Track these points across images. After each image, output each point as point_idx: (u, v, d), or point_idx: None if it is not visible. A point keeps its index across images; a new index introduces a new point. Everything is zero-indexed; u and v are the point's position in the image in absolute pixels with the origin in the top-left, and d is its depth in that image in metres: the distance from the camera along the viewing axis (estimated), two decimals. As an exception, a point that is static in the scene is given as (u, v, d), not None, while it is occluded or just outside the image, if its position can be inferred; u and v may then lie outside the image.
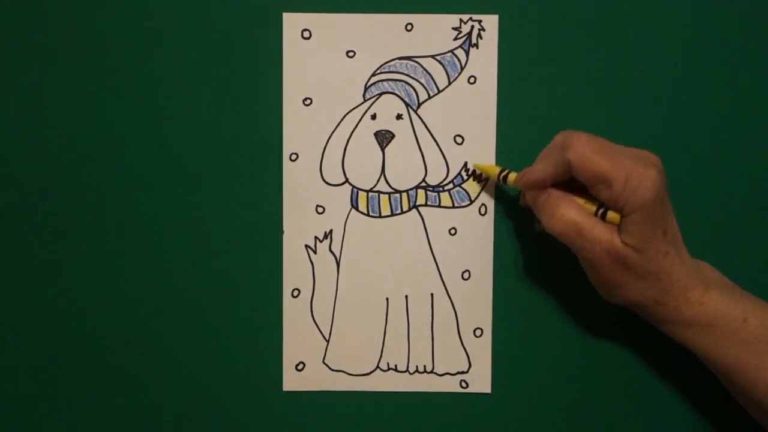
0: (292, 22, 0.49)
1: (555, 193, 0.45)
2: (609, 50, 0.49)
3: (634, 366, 0.50)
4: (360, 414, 0.51)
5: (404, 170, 0.50)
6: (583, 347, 0.50)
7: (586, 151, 0.42)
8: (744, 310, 0.43)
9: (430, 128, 0.50)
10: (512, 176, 0.47)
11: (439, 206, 0.50)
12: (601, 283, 0.45)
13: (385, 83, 0.49)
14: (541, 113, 0.49)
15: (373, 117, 0.50)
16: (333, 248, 0.50)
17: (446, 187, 0.50)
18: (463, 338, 0.50)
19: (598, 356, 0.50)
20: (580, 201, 0.44)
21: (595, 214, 0.44)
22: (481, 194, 0.50)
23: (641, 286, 0.44)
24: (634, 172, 0.41)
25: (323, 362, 0.51)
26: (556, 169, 0.44)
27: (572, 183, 0.45)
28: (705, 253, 0.48)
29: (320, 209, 0.50)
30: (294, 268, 0.50)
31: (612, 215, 0.43)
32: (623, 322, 0.50)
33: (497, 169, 0.48)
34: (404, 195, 0.50)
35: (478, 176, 0.50)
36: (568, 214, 0.44)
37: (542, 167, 0.45)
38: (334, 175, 0.50)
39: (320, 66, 0.49)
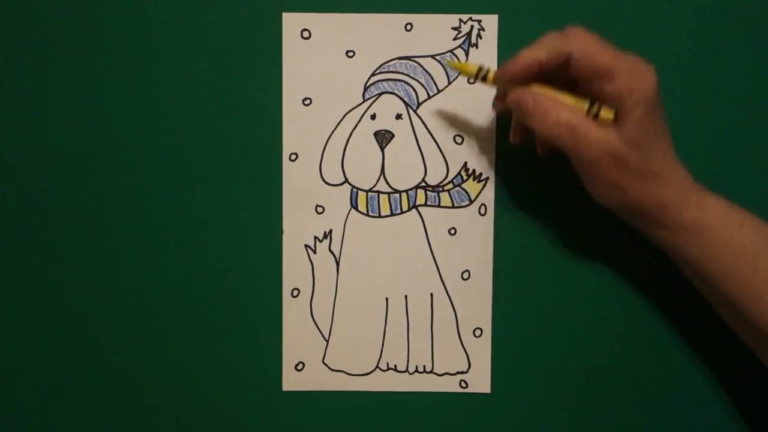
0: (292, 22, 0.49)
1: (542, 97, 0.43)
2: (609, 50, 0.49)
3: (634, 366, 0.50)
4: (360, 414, 0.51)
5: (404, 170, 0.50)
6: (583, 347, 0.50)
7: (590, 44, 0.42)
8: (740, 216, 0.43)
9: (429, 128, 0.50)
10: (492, 73, 0.45)
11: (439, 206, 0.50)
12: (599, 186, 0.44)
13: (384, 83, 0.49)
14: (541, 113, 0.49)
15: (373, 117, 0.50)
16: (333, 248, 0.50)
17: (446, 187, 0.50)
18: (462, 338, 0.50)
19: (598, 356, 0.50)
20: (570, 101, 0.43)
21: (587, 114, 0.42)
22: (481, 194, 0.50)
23: (642, 185, 0.42)
24: (638, 66, 0.41)
25: (323, 362, 0.51)
26: (549, 58, 0.42)
27: (548, 79, 0.43)
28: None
29: (320, 209, 0.50)
30: (294, 268, 0.50)
31: (605, 113, 0.42)
32: (623, 323, 0.50)
33: (475, 68, 0.45)
34: (404, 195, 0.50)
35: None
36: (562, 116, 0.42)
37: (532, 53, 0.42)
38: (334, 175, 0.50)
39: (320, 66, 0.49)
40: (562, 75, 0.43)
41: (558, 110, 0.42)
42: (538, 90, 0.43)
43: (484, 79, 0.45)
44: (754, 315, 0.43)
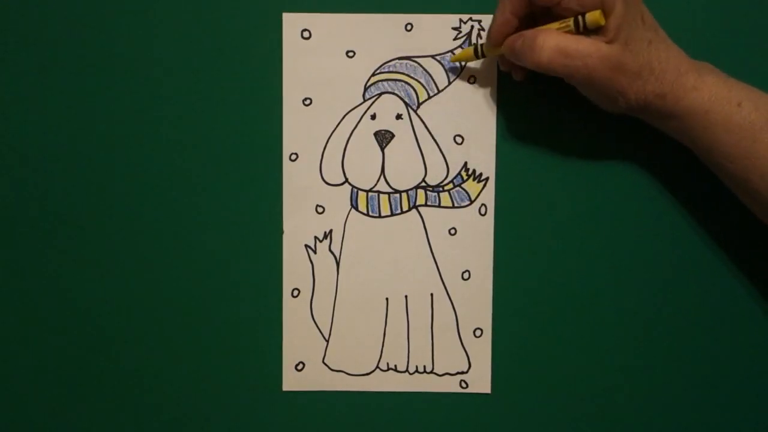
0: (292, 22, 0.49)
1: (528, 32, 0.44)
2: (609, 50, 0.49)
3: (634, 366, 0.50)
4: (360, 414, 0.51)
5: (404, 170, 0.50)
6: (583, 347, 0.50)
7: None
8: (738, 95, 0.43)
9: (429, 128, 0.50)
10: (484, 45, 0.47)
11: (439, 206, 0.50)
12: (602, 96, 0.45)
13: (384, 83, 0.49)
14: (541, 113, 0.49)
15: (373, 117, 0.50)
16: (333, 248, 0.50)
17: (446, 187, 0.50)
18: (462, 338, 0.50)
19: (598, 356, 0.50)
20: (555, 26, 0.44)
21: (576, 31, 0.43)
22: (481, 194, 0.50)
23: (639, 83, 0.43)
24: None
25: (323, 362, 0.51)
26: (515, 5, 0.44)
27: (536, 21, 0.45)
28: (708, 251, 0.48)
29: (320, 209, 0.50)
30: (294, 268, 0.50)
31: (591, 18, 0.42)
32: (623, 322, 0.50)
33: (471, 50, 0.48)
34: (404, 195, 0.50)
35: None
36: (547, 42, 0.43)
37: (500, 11, 0.45)
38: (334, 175, 0.50)
39: (320, 66, 0.49)
40: (554, 13, 0.44)
41: (542, 38, 0.43)
42: (524, 31, 0.44)
43: (483, 54, 0.47)
44: (761, 193, 0.43)
